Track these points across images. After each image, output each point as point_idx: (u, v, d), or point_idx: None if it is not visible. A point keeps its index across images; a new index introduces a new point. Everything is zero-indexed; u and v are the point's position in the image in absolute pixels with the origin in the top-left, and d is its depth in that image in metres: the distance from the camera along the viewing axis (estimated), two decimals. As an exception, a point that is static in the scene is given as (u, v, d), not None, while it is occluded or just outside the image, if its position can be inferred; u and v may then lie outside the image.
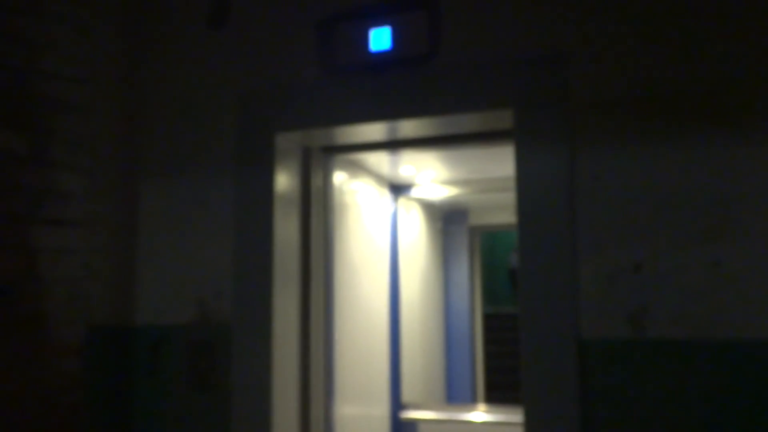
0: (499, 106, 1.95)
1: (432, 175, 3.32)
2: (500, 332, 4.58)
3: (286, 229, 2.28)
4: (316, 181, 2.43)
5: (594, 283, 1.85)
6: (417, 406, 3.28)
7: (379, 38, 2.10)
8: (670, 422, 1.77)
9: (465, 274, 3.83)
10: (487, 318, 4.04)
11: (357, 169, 2.95)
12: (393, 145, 2.33)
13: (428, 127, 2.14)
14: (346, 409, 2.66)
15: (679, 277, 1.78)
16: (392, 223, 3.39)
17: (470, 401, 3.67)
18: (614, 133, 1.87)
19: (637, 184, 1.84)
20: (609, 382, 1.83)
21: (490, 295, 3.99)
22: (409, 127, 2.15)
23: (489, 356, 3.93)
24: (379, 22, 2.10)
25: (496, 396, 3.55)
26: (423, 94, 2.04)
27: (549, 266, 1.88)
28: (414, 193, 3.47)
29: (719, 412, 1.74)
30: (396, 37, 2.08)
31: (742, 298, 1.72)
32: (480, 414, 3.20)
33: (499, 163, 3.02)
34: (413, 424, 3.28)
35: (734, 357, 1.73)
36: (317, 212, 2.43)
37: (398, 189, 3.45)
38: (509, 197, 2.88)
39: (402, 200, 3.47)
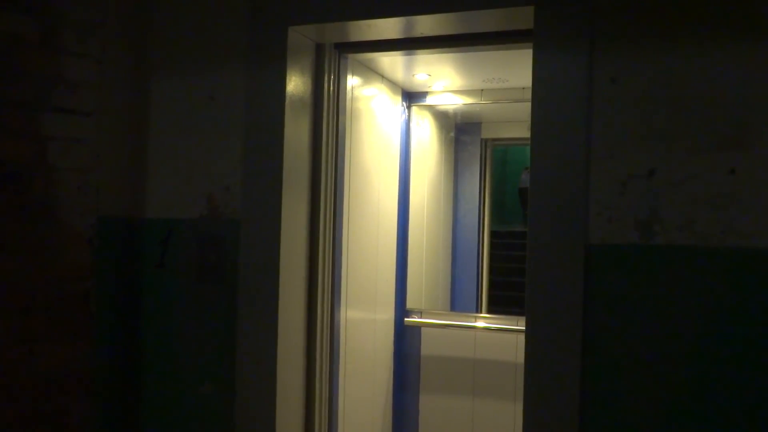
0: (520, 3, 1.89)
1: (446, 83, 3.26)
2: (505, 249, 4.58)
3: (296, 129, 2.25)
4: (329, 83, 2.39)
5: (605, 188, 1.84)
6: (421, 312, 3.33)
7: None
8: (671, 330, 1.78)
9: (475, 188, 3.82)
10: (494, 234, 4.04)
11: (370, 73, 2.90)
12: (408, 44, 2.27)
13: (445, 24, 2.07)
14: (351, 311, 2.70)
15: (692, 184, 1.76)
16: (404, 131, 3.36)
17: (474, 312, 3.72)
18: (634, 35, 1.82)
19: (655, 88, 1.81)
20: (613, 287, 1.84)
21: (498, 212, 3.97)
22: (425, 24, 2.08)
23: (492, 272, 3.96)
24: None
25: (497, 311, 3.60)
26: (442, -12, 1.97)
27: (561, 170, 1.86)
28: (427, 101, 3.42)
29: (724, 322, 1.74)
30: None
31: (756, 207, 1.71)
32: (482, 322, 3.25)
33: (515, 71, 2.96)
34: (417, 328, 3.33)
35: (743, 265, 1.73)
36: (329, 115, 2.39)
37: (411, 96, 3.39)
38: (523, 110, 2.84)
39: (415, 108, 3.42)
